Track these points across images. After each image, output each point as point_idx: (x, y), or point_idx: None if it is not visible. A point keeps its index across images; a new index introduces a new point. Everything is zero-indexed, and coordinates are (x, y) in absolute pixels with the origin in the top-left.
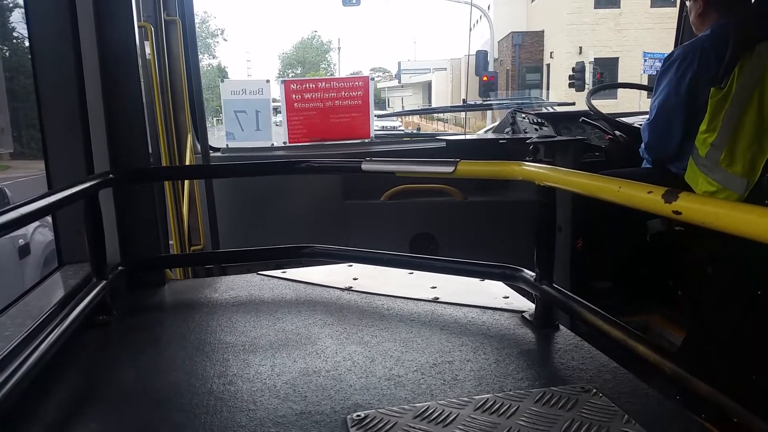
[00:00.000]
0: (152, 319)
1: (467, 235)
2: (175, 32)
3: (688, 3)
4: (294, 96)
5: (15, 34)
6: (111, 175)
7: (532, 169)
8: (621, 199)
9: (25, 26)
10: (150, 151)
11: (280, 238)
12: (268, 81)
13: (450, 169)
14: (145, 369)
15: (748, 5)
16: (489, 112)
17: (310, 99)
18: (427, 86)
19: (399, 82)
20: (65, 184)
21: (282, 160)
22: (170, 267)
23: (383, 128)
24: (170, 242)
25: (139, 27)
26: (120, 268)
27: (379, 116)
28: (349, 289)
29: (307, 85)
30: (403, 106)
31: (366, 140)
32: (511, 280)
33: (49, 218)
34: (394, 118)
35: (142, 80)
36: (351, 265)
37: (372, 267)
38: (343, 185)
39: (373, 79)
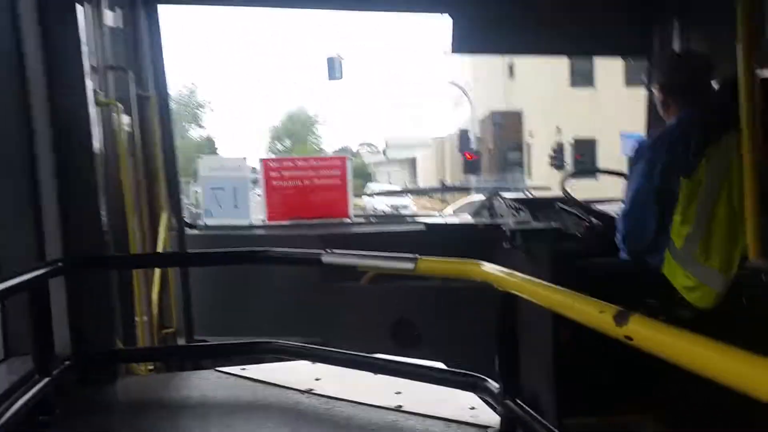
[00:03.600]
0: (98, 420)
1: (453, 324)
2: (150, 108)
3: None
4: (272, 173)
5: None
6: (60, 264)
7: (490, 271)
8: (574, 315)
9: None
10: (113, 233)
11: (257, 318)
12: (245, 158)
13: (410, 266)
14: None
15: (709, 95)
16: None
17: (288, 177)
18: (413, 162)
19: (386, 158)
20: (10, 273)
21: (242, 250)
22: (122, 362)
23: (392, 206)
24: (143, 318)
25: (108, 104)
26: (67, 362)
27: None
28: (309, 391)
29: (285, 164)
30: (390, 181)
31: (346, 220)
32: (474, 390)
33: None
34: (403, 196)
35: (104, 158)
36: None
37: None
38: (322, 266)
39: (351, 159)
